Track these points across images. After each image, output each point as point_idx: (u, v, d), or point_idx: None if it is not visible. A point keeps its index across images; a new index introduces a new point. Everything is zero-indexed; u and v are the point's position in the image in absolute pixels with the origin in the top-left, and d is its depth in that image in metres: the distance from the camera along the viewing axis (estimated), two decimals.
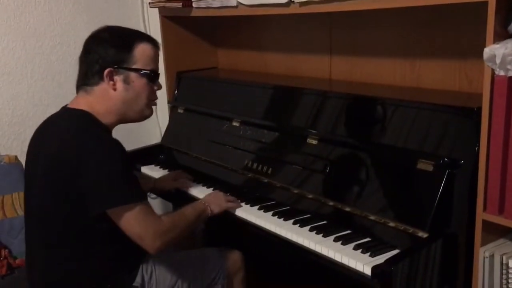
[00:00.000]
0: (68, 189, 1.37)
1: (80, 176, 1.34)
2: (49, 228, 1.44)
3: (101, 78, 1.46)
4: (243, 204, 1.68)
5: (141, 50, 1.48)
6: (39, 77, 2.38)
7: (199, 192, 1.82)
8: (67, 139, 1.39)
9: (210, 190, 1.82)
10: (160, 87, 1.58)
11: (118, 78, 1.46)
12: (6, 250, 2.03)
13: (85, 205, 1.36)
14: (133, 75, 1.48)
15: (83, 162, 1.34)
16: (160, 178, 1.97)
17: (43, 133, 1.50)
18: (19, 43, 2.32)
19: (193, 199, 1.78)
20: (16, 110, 2.33)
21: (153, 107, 1.59)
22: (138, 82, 1.49)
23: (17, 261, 2.02)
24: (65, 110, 1.51)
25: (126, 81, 1.47)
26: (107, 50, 1.45)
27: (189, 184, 1.90)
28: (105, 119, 1.47)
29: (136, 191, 1.40)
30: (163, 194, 2.02)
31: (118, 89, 1.47)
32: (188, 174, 1.98)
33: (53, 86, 2.41)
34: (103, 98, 1.47)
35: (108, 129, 1.48)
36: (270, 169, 1.74)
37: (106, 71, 1.45)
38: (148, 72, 1.50)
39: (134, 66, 1.47)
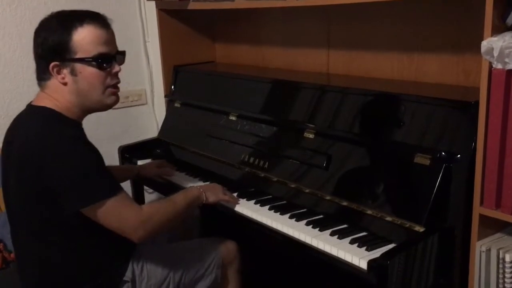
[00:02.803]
0: (38, 190, 1.32)
1: (47, 177, 1.29)
2: (30, 226, 1.40)
3: (50, 73, 1.37)
4: (239, 198, 1.67)
5: (80, 36, 1.34)
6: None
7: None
8: (31, 140, 1.32)
9: (207, 184, 1.80)
10: (118, 70, 1.42)
11: (65, 71, 1.36)
12: (1, 244, 2.02)
13: (58, 205, 1.31)
14: (78, 65, 1.35)
15: (48, 163, 1.29)
16: (143, 166, 1.96)
17: (12, 132, 1.44)
18: (15, 36, 2.30)
19: None
20: (11, 104, 2.31)
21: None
22: (85, 71, 1.36)
23: (12, 255, 2.01)
24: (29, 107, 1.44)
25: (73, 73, 1.36)
26: (47, 42, 1.34)
27: (173, 172, 1.90)
28: (69, 113, 1.39)
29: (107, 186, 1.33)
30: (157, 187, 2.01)
31: (68, 82, 1.37)
32: (185, 168, 1.98)
33: None
34: (58, 93, 1.38)
35: (75, 123, 1.40)
36: (267, 163, 1.74)
37: (51, 66, 1.35)
38: (92, 59, 1.36)
39: (76, 56, 1.34)
